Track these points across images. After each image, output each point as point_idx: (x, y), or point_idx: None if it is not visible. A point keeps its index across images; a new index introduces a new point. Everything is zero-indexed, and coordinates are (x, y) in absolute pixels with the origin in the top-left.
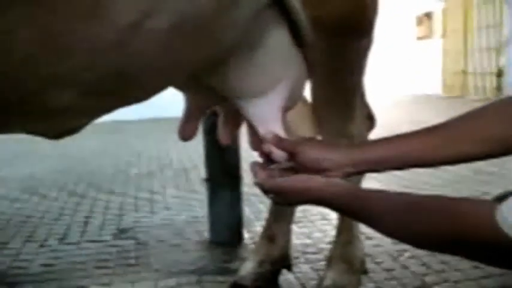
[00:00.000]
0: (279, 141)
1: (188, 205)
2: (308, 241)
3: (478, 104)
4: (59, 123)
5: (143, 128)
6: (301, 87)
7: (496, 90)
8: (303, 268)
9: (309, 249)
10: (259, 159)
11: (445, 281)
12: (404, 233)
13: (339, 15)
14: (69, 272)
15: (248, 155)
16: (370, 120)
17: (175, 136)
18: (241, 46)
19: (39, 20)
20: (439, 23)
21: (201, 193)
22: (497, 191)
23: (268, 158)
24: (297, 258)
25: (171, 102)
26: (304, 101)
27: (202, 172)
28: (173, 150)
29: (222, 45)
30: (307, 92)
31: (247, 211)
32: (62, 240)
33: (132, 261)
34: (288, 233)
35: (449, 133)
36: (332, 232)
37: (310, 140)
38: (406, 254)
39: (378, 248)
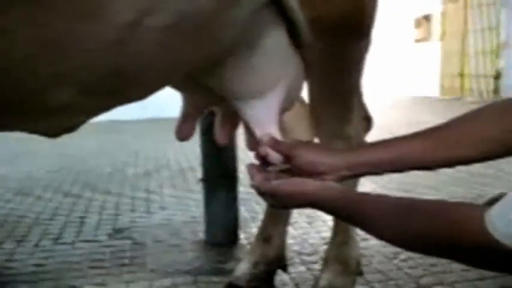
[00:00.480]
0: (275, 144)
1: (185, 205)
2: (303, 242)
3: (475, 106)
4: (59, 121)
5: (140, 128)
6: (298, 88)
7: (493, 93)
8: (298, 269)
9: (305, 250)
10: (256, 161)
11: (441, 282)
12: (397, 236)
13: (337, 16)
14: (64, 272)
15: (245, 156)
16: (367, 121)
17: (172, 136)
18: (240, 46)
19: (39, 20)
20: (438, 26)
21: (198, 193)
22: (492, 192)
23: (264, 160)
24: (292, 259)
25: (168, 102)
26: (302, 101)
27: (199, 172)
28: (170, 150)
29: (221, 44)
30: (305, 93)
31: (243, 212)
32: (56, 240)
33: (127, 261)
34: (283, 234)
35: (450, 135)
36: (328, 233)
37: (306, 143)
38: (402, 256)
39: (373, 250)
